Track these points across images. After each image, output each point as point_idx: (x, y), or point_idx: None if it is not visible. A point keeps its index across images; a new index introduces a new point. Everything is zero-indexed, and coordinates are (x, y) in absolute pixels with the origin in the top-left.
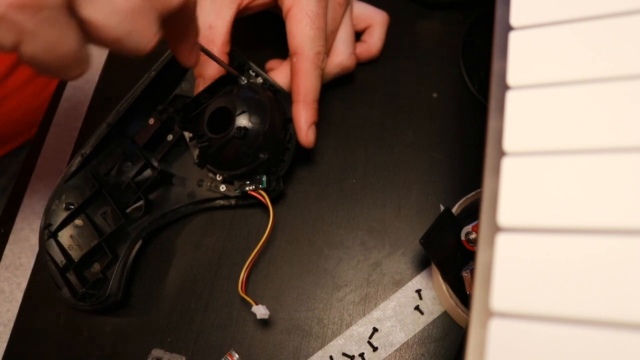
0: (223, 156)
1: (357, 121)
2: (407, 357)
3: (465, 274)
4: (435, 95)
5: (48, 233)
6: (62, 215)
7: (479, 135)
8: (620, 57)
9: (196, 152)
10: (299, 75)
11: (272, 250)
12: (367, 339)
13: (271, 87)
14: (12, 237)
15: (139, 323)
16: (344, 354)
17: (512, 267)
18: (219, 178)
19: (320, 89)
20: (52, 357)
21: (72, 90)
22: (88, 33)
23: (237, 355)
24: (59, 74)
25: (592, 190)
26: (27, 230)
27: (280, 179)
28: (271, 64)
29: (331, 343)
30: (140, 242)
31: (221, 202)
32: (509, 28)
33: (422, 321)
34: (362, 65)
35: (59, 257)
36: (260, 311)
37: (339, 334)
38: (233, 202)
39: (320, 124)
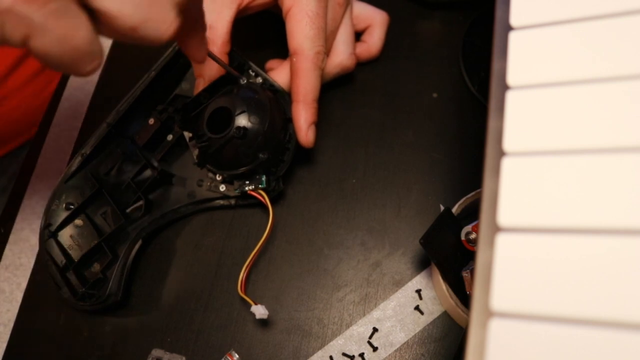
0: (223, 156)
1: (357, 121)
2: (407, 357)
3: (465, 274)
4: (435, 95)
5: (48, 233)
6: (62, 215)
7: (479, 135)
8: (620, 57)
9: (196, 152)
10: (299, 75)
11: (272, 250)
12: (367, 339)
13: (271, 87)
14: (12, 237)
15: (139, 323)
16: (344, 354)
17: (512, 267)
18: (218, 178)
19: (320, 89)
20: (52, 357)
21: (72, 90)
22: (102, 24)
23: (237, 355)
24: (71, 69)
25: (592, 190)
26: (27, 230)
27: (280, 179)
28: (271, 63)
29: (331, 343)
30: (140, 242)
31: (221, 202)
32: (509, 28)
33: (422, 321)
34: (362, 65)
35: (59, 257)
36: (260, 311)
37: (339, 334)
38: (233, 202)
39: (320, 124)
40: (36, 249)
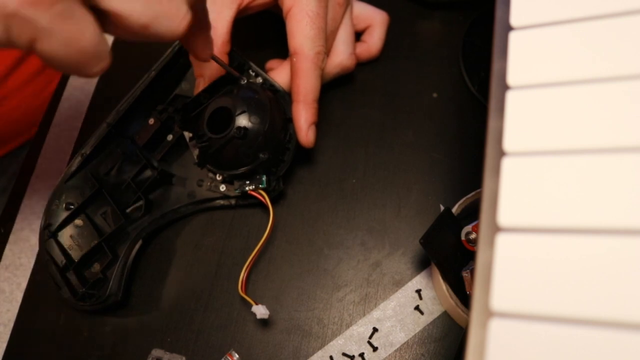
0: (223, 156)
1: (357, 121)
2: (407, 357)
3: (465, 274)
4: (435, 95)
5: (48, 233)
6: (62, 215)
7: (479, 135)
8: (620, 57)
9: (196, 152)
10: (299, 75)
11: (272, 250)
12: (367, 339)
13: (271, 87)
14: (12, 237)
15: (139, 323)
16: (344, 354)
17: (512, 267)
18: (218, 178)
19: (320, 89)
20: (52, 357)
21: (72, 90)
22: (112, 24)
23: (237, 355)
24: (78, 70)
25: (592, 190)
26: (27, 230)
27: (280, 179)
28: (271, 63)
29: (331, 343)
30: (140, 242)
31: (221, 202)
32: (509, 28)
33: (422, 321)
34: (362, 65)
35: (59, 257)
36: (260, 311)
37: (339, 334)
38: (233, 202)
39: (320, 124)
40: (36, 249)
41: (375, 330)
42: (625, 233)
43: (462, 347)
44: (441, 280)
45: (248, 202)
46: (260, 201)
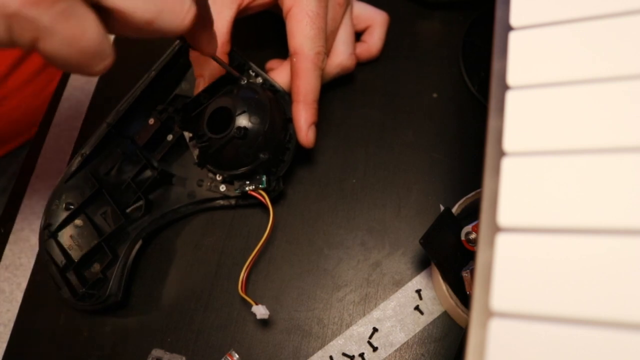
0: (223, 156)
1: (357, 121)
2: (407, 357)
3: (465, 274)
4: (435, 95)
5: (48, 233)
6: (62, 215)
7: (479, 135)
8: (620, 57)
9: (196, 152)
10: (299, 76)
11: (272, 250)
12: (367, 339)
13: (271, 87)
14: (12, 237)
15: (139, 323)
16: (344, 354)
17: (512, 267)
18: (219, 178)
19: (320, 89)
20: (52, 357)
21: (72, 90)
22: (116, 22)
23: (237, 355)
24: (81, 69)
25: (592, 190)
26: (27, 230)
27: (280, 179)
28: (271, 64)
29: (331, 343)
30: (140, 242)
31: (221, 202)
32: (509, 28)
33: (422, 321)
34: (362, 65)
35: (59, 257)
36: (260, 311)
37: (339, 334)
38: (233, 202)
39: (320, 124)
40: (36, 249)
41: (375, 330)
42: (625, 233)
43: (462, 347)
44: (441, 280)
45: (248, 202)
46: (260, 201)
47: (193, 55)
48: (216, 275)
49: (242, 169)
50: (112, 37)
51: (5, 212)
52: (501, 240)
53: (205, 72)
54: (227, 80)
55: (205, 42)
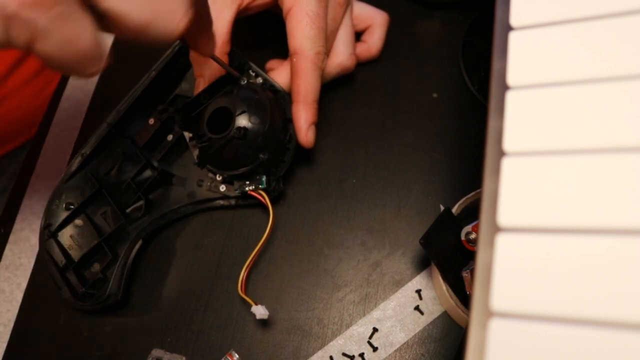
0: (223, 156)
1: (357, 121)
2: (407, 357)
3: (465, 274)
4: (435, 95)
5: (48, 233)
6: (62, 215)
7: (479, 135)
8: (620, 57)
9: (196, 152)
10: (299, 76)
11: (272, 250)
12: (367, 339)
13: (271, 88)
14: (12, 237)
15: (139, 323)
16: (344, 354)
17: (512, 267)
18: (218, 178)
19: (320, 89)
20: (52, 357)
21: (72, 90)
22: (111, 26)
23: (237, 355)
24: (75, 71)
25: (592, 190)
26: (27, 230)
27: (280, 179)
28: (271, 64)
29: (331, 343)
30: (140, 242)
31: (221, 202)
32: (509, 28)
33: (422, 321)
34: (362, 65)
35: (59, 257)
36: (260, 311)
37: (339, 334)
38: (233, 202)
39: (320, 124)
40: (36, 249)
41: (375, 330)
42: (625, 233)
43: (462, 347)
44: (441, 280)
45: (248, 202)
46: (260, 201)
47: (193, 55)
48: (216, 275)
49: (242, 169)
50: (111, 37)
51: (5, 212)
52: (501, 240)
53: (205, 72)
54: (227, 80)
55: (204, 43)
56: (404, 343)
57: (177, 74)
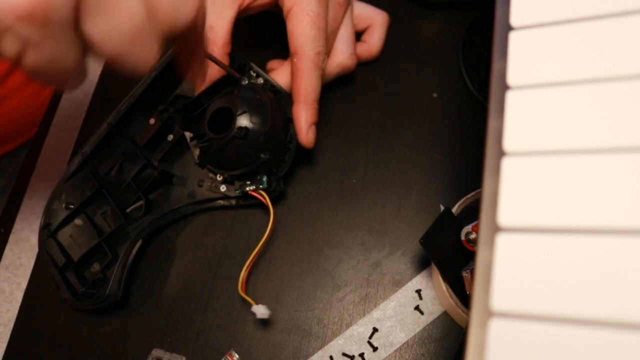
0: (224, 156)
1: (357, 121)
2: (407, 357)
3: (465, 274)
4: (435, 95)
5: (48, 233)
6: (62, 215)
7: (479, 135)
8: (620, 57)
9: (197, 152)
10: (300, 76)
11: (272, 250)
12: (367, 339)
13: (272, 88)
14: (12, 237)
15: (139, 323)
16: (344, 354)
17: (512, 267)
18: (219, 178)
19: (320, 89)
20: (52, 357)
21: None
22: (88, 46)
23: (237, 355)
24: (57, 84)
25: (592, 190)
26: (27, 230)
27: (280, 179)
28: (272, 64)
29: (331, 343)
30: (140, 242)
31: (221, 202)
32: (509, 28)
33: (422, 321)
34: (362, 65)
35: (59, 257)
36: (260, 311)
37: (339, 334)
38: (233, 202)
39: (321, 124)
40: (36, 249)
41: (375, 330)
42: (625, 233)
43: (462, 347)
44: (441, 280)
45: (248, 202)
46: (261, 201)
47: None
48: (216, 275)
49: (243, 169)
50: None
51: (5, 212)
52: (501, 240)
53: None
54: (228, 80)
55: (194, 70)
56: (404, 343)
57: (178, 74)
